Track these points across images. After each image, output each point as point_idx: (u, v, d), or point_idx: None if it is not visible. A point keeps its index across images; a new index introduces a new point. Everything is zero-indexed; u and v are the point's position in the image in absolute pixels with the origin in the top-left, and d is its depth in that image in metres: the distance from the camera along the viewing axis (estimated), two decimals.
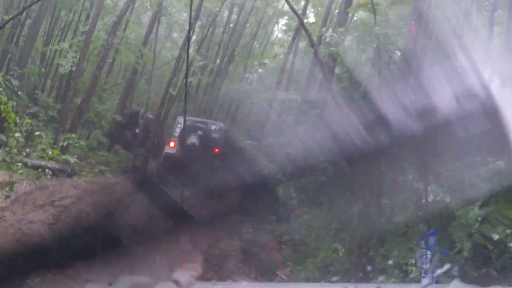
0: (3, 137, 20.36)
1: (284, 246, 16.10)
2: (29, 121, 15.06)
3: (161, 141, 24.46)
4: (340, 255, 10.72)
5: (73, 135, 22.62)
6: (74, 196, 18.19)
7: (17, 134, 10.43)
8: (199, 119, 23.73)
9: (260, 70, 41.62)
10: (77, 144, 23.40)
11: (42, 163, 18.75)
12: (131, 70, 35.28)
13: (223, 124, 25.39)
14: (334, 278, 11.84)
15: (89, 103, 25.52)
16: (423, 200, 10.38)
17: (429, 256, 3.42)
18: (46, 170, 19.27)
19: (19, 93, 23.79)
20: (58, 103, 28.34)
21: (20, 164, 17.95)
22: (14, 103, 10.09)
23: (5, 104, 10.44)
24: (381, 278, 10.31)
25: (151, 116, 29.32)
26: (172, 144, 21.66)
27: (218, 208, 19.65)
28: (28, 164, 18.46)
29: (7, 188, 10.40)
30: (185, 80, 24.94)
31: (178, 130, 22.12)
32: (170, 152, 21.50)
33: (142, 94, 42.65)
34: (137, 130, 30.68)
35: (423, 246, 3.47)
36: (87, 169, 21.70)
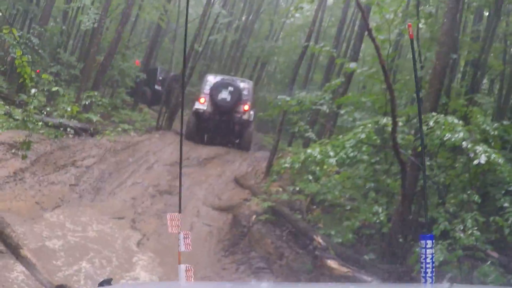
0: (24, 97, 19.79)
1: (315, 207, 15.39)
2: (46, 76, 14.25)
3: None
4: (382, 218, 9.89)
5: (96, 93, 21.97)
6: (96, 155, 17.59)
7: (33, 90, 9.63)
8: (229, 77, 24.65)
9: (292, 19, 40.40)
10: (100, 102, 22.80)
11: (62, 121, 18.05)
12: (154, 28, 34.47)
13: (252, 82, 25.49)
14: (370, 249, 11.09)
15: (111, 61, 24.82)
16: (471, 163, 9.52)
17: (428, 256, 3.35)
18: (68, 129, 18.66)
19: (40, 51, 23.05)
20: (80, 62, 27.71)
21: (40, 123, 17.34)
22: (29, 57, 9.34)
23: (20, 58, 9.62)
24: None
25: (172, 73, 29.46)
26: (202, 100, 22.16)
27: (246, 164, 18.92)
28: (49, 123, 17.87)
29: (24, 148, 9.69)
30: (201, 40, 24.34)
31: (207, 87, 22.53)
32: (200, 108, 22.10)
33: (166, 53, 42.10)
34: (156, 87, 30.35)
35: (423, 246, 3.39)
36: (110, 128, 21.09)
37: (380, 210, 9.99)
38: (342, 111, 15.11)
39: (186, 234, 3.99)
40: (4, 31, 10.49)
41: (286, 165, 10.34)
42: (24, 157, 10.06)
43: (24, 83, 10.13)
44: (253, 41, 45.36)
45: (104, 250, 11.53)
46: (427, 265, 3.34)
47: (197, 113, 22.42)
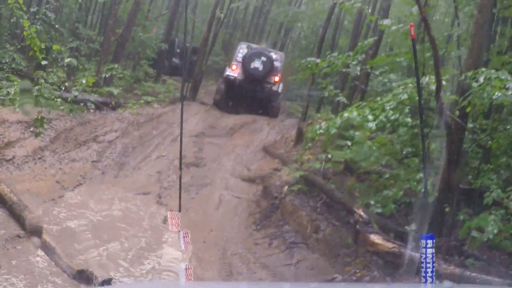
0: (42, 74, 19.15)
1: (350, 175, 14.61)
2: (57, 47, 13.48)
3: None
4: (428, 187, 8.99)
5: (116, 66, 21.24)
6: (119, 129, 16.94)
7: (43, 62, 8.86)
8: (261, 47, 24.56)
9: None
10: (121, 75, 22.10)
11: (76, 94, 17.34)
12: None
13: (283, 54, 25.25)
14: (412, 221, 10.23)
15: (131, 32, 24.02)
16: None
17: (429, 256, 3.33)
18: (89, 104, 18.01)
19: (57, 26, 22.35)
20: (100, 35, 27.01)
21: (59, 99, 16.70)
22: (37, 27, 8.58)
23: (28, 29, 8.88)
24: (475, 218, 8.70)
25: (190, 44, 29.07)
26: (234, 67, 22.42)
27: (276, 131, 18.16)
28: (69, 99, 17.20)
29: (37, 125, 9.03)
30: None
31: (240, 55, 22.69)
32: (231, 74, 22.31)
33: (189, 23, 41.27)
34: (173, 60, 29.81)
35: (423, 246, 3.36)
36: (133, 100, 20.42)
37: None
38: (376, 72, 14.20)
39: (185, 233, 3.99)
40: (9, 0, 9.67)
41: (321, 131, 9.53)
42: (37, 134, 9.45)
43: (34, 55, 9.35)
44: (276, 7, 44.38)
45: (129, 229, 10.90)
46: (428, 265, 3.33)
47: (227, 80, 22.48)
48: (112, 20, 22.24)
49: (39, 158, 13.75)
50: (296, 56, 45.92)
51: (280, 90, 23.00)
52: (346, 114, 9.23)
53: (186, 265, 3.71)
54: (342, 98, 16.78)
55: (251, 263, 10.19)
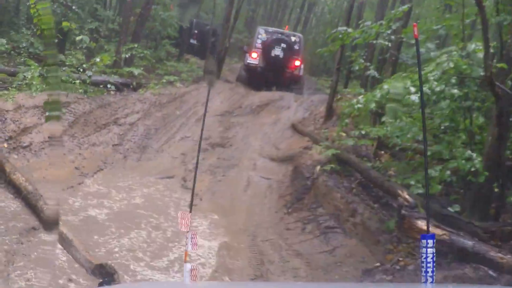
0: (62, 57, 18.59)
1: (383, 152, 13.82)
2: (67, 23, 12.73)
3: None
4: (478, 166, 8.09)
5: (136, 45, 20.47)
6: (140, 111, 16.27)
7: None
8: (279, 30, 24.53)
9: None
10: (142, 55, 21.38)
11: (90, 74, 16.64)
12: None
13: (302, 36, 24.92)
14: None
15: (150, 10, 23.26)
16: None
17: (429, 255, 3.29)
18: (108, 85, 17.31)
19: (73, 7, 21.68)
20: (119, 15, 26.35)
21: (77, 81, 16.05)
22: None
23: (34, 6, 8.14)
24: None
25: (208, 27, 29.55)
26: (254, 55, 22.27)
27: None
28: (87, 81, 16.54)
29: (46, 109, 8.36)
30: None
31: (259, 41, 22.71)
32: (252, 62, 22.23)
33: (209, 1, 40.66)
34: (191, 41, 29.43)
35: (424, 246, 3.32)
36: (155, 80, 19.70)
37: (474, 155, 8.16)
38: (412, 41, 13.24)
39: (193, 234, 3.95)
40: None
41: (359, 105, 8.68)
42: (48, 119, 8.77)
43: (42, 35, 8.60)
44: None
45: (153, 217, 10.22)
46: (428, 264, 3.30)
47: (248, 67, 22.43)
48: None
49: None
50: (320, 31, 45.13)
51: (301, 73, 22.96)
52: (386, 86, 8.38)
53: (191, 265, 3.66)
54: (373, 72, 15.89)
55: (283, 250, 9.47)
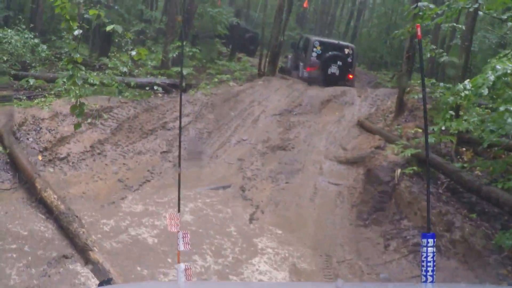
0: (106, 61, 17.35)
1: (464, 149, 12.02)
2: (95, 11, 11.15)
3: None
4: None
5: (184, 43, 18.99)
6: (191, 113, 14.82)
7: (75, 32, 6.69)
8: (332, 41, 24.32)
9: None
10: (190, 53, 19.93)
11: (124, 70, 15.28)
12: None
13: (353, 46, 24.88)
14: None
15: (197, 6, 21.85)
16: None
17: (429, 254, 3.23)
18: (155, 87, 15.86)
19: (116, 7, 20.44)
20: (165, 15, 25.09)
21: (116, 84, 14.71)
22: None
23: None
24: None
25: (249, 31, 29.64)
26: (309, 69, 22.38)
27: None
28: (132, 84, 15.16)
29: (75, 113, 6.89)
30: None
31: (314, 54, 22.56)
32: (307, 76, 22.16)
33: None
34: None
35: (424, 245, 3.27)
36: (206, 80, 18.21)
37: None
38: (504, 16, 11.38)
39: (185, 233, 3.80)
40: None
41: (466, 92, 6.91)
42: (77, 126, 7.34)
43: (68, 26, 7.19)
44: None
45: (208, 237, 8.70)
46: (428, 264, 3.24)
47: (303, 79, 22.03)
48: None
49: (99, 154, 11.77)
50: (373, 24, 43.32)
51: (353, 85, 22.75)
52: (498, 66, 6.56)
53: (185, 265, 3.51)
54: (448, 58, 14.04)
55: (365, 274, 7.83)
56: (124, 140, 12.56)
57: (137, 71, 16.46)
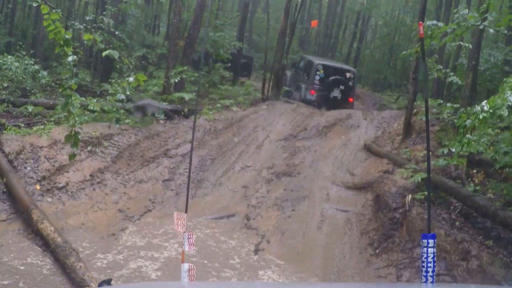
0: (107, 87, 17.08)
1: (475, 172, 11.64)
2: (90, 36, 10.80)
3: None
4: None
5: (186, 67, 18.63)
6: (194, 140, 14.37)
7: (70, 58, 6.35)
8: (335, 65, 24.72)
9: None
10: (192, 78, 19.61)
11: (121, 97, 14.93)
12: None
13: (354, 70, 25.83)
14: None
15: (199, 30, 21.58)
16: None
17: (430, 255, 3.31)
18: (157, 113, 15.53)
19: (117, 33, 20.18)
20: (168, 40, 24.86)
21: (121, 111, 14.38)
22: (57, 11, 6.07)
23: (49, 17, 6.41)
24: None
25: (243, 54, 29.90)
26: (313, 92, 22.89)
27: None
28: (130, 109, 14.87)
29: (69, 142, 6.54)
30: None
31: (317, 78, 23.02)
32: (310, 99, 22.66)
33: (261, 23, 39.34)
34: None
35: (425, 245, 3.35)
36: (209, 105, 17.88)
37: None
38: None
39: (190, 235, 3.96)
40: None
41: (484, 114, 6.52)
42: (71, 157, 6.96)
43: (62, 52, 6.87)
44: None
45: (211, 269, 8.30)
46: (428, 264, 3.30)
47: (306, 101, 22.56)
48: (176, 19, 19.70)
49: (99, 183, 11.41)
50: (376, 45, 43.17)
51: (353, 107, 23.30)
52: None
53: (189, 265, 3.60)
54: (455, 79, 13.75)
55: None
56: (125, 168, 12.20)
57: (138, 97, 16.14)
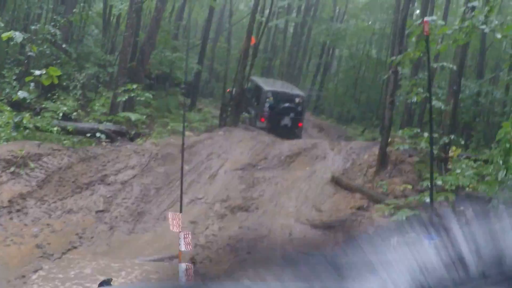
0: (50, 104, 15.29)
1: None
2: (9, 35, 8.72)
3: None
4: None
5: (135, 85, 16.67)
6: (137, 166, 12.57)
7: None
8: (284, 91, 24.46)
9: None
10: (143, 98, 17.83)
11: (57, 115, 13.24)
12: (204, 26, 30.42)
13: (303, 93, 25.69)
14: None
15: (153, 46, 19.91)
16: None
17: None
18: (97, 134, 13.66)
19: (63, 46, 18.38)
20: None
21: (55, 128, 12.48)
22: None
23: None
24: None
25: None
26: (263, 120, 22.75)
27: None
28: (69, 129, 12.98)
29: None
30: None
31: (267, 105, 22.87)
32: (261, 126, 22.27)
33: (223, 53, 38.04)
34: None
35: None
36: (158, 128, 16.06)
37: None
38: None
39: (186, 234, 4.13)
40: None
41: None
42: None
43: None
44: (317, 25, 40.57)
45: None
46: None
47: (258, 128, 22.23)
48: (129, 32, 17.95)
49: (18, 211, 9.54)
50: (340, 78, 42.30)
51: (301, 132, 23.75)
52: None
53: (186, 265, 3.79)
54: (438, 103, 12.38)
55: None
56: (52, 195, 10.30)
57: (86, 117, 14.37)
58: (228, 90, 25.11)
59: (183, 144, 5.35)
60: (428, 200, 9.51)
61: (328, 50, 43.19)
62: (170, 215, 3.86)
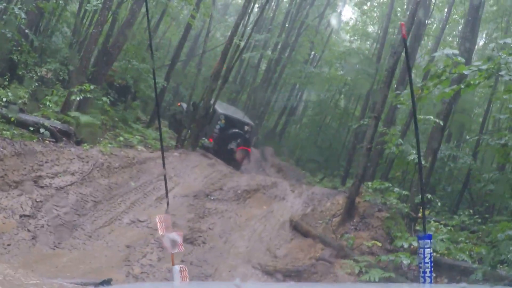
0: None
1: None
2: None
3: None
4: None
5: (92, 86, 15.11)
6: (78, 172, 11.15)
7: None
8: (236, 117, 25.22)
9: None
10: (100, 102, 16.41)
11: (6, 112, 11.85)
12: (175, 47, 29.35)
13: (252, 122, 26.40)
14: None
15: (121, 47, 18.65)
16: None
17: (427, 256, 3.29)
18: (41, 130, 12.20)
19: (26, 31, 17.01)
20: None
21: None
22: None
23: None
24: None
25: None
26: (211, 140, 23.17)
27: None
28: (11, 118, 11.56)
29: None
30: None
31: (218, 127, 23.54)
32: (209, 146, 22.50)
33: (191, 77, 36.97)
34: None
35: (421, 246, 3.32)
36: (110, 136, 14.64)
37: None
38: None
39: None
40: None
41: None
42: None
43: None
44: (290, 66, 39.87)
45: None
46: (426, 265, 3.27)
47: (205, 149, 21.95)
48: (97, 29, 16.61)
49: None
50: (304, 123, 41.73)
51: (249, 156, 24.57)
52: None
53: (180, 267, 3.65)
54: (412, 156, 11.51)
55: None
56: None
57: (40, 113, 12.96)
58: (178, 104, 26.15)
59: (162, 153, 4.23)
60: (405, 261, 8.47)
61: (297, 93, 42.65)
62: (157, 218, 3.72)
